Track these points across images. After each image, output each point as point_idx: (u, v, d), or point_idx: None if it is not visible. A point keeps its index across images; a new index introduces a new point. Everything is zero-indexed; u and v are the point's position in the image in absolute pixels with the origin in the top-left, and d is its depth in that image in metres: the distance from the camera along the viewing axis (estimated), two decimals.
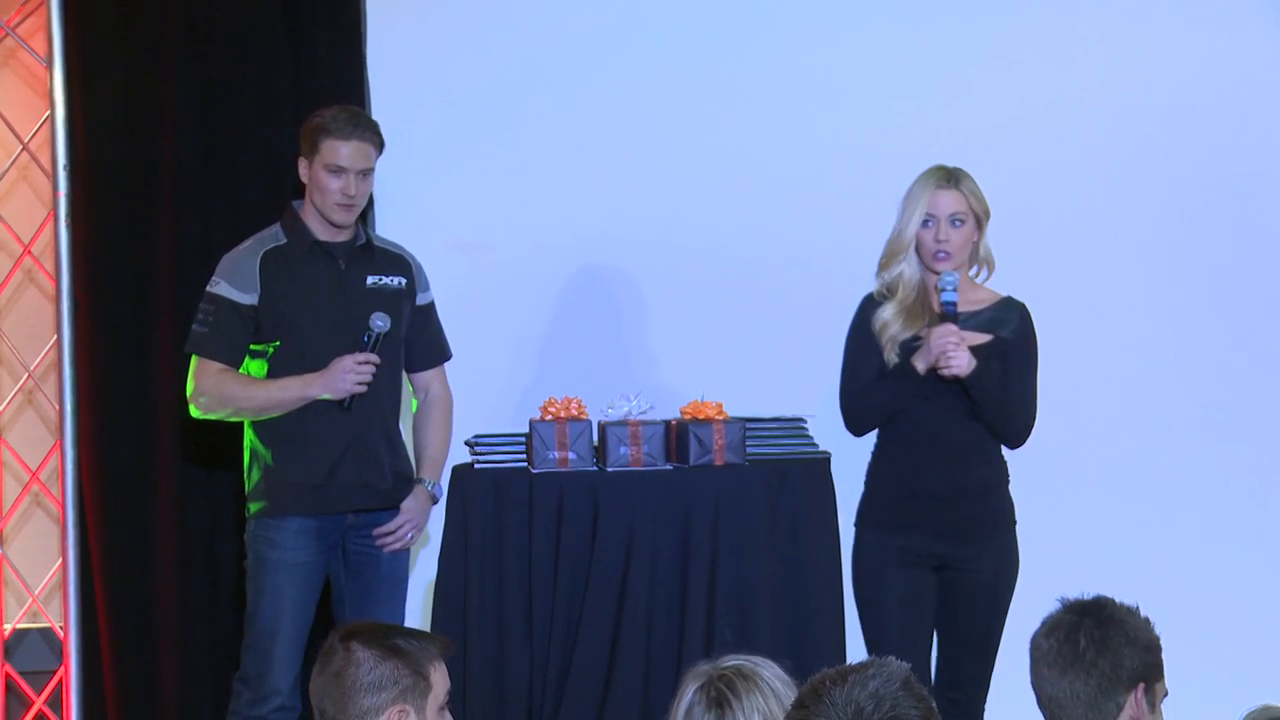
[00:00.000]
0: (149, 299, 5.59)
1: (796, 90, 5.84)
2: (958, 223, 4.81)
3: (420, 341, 5.14)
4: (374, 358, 4.91)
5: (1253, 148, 5.89)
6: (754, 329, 5.80)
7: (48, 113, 5.50)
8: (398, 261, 5.10)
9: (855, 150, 5.82)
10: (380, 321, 4.92)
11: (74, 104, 5.51)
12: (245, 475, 5.01)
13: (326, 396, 4.89)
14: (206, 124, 5.61)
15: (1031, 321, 4.87)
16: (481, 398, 5.47)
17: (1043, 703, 3.23)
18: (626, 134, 5.81)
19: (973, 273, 4.89)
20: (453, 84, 5.79)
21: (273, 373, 4.95)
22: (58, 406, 5.50)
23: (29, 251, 5.64)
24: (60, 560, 5.49)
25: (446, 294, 5.24)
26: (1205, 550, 5.81)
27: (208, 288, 4.99)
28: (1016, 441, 4.84)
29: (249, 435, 5.01)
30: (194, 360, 4.97)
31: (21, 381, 5.65)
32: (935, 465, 4.80)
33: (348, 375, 4.88)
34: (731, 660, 2.97)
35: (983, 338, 4.81)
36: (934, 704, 2.56)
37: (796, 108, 5.84)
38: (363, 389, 4.90)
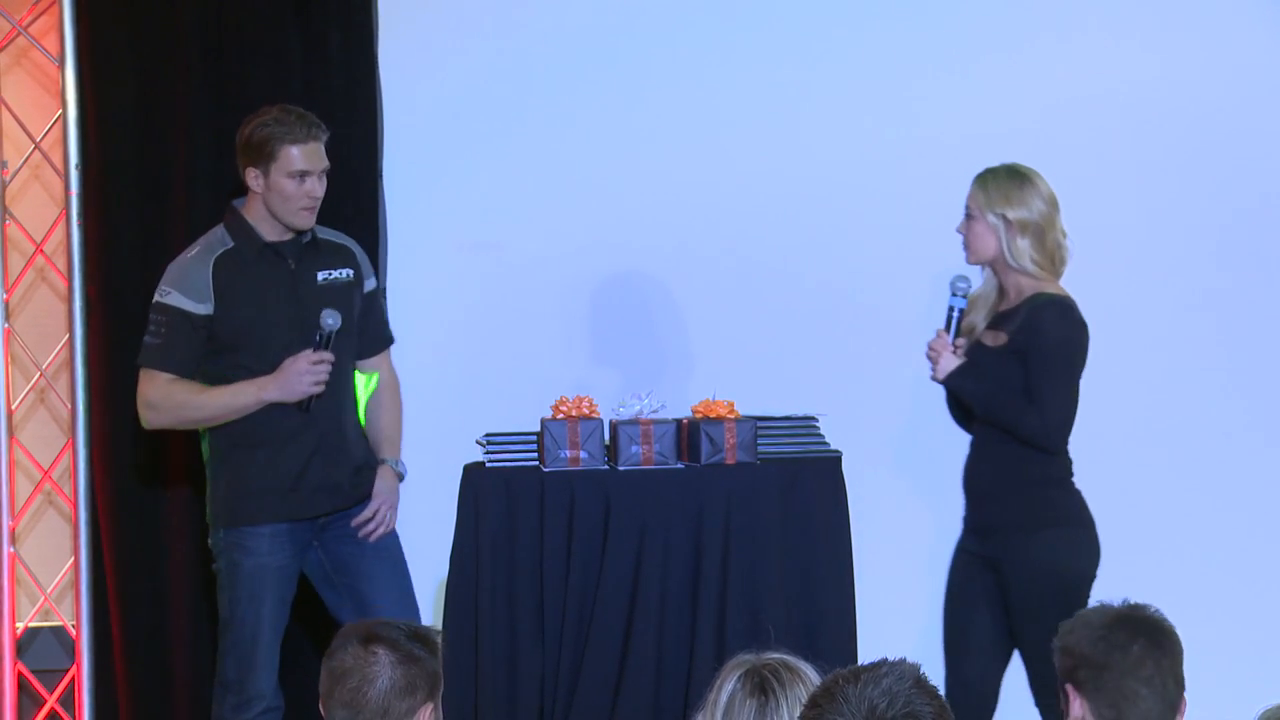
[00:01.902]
0: None
1: (808, 90, 5.84)
2: (968, 217, 4.85)
3: (367, 329, 5.09)
4: (329, 356, 4.85)
5: None
6: (766, 328, 5.80)
7: (60, 112, 5.51)
8: (343, 252, 5.05)
9: (867, 151, 5.82)
10: (331, 319, 4.86)
11: (86, 103, 5.52)
12: (209, 484, 4.95)
13: (281, 400, 4.85)
14: (218, 123, 5.60)
15: (1045, 317, 4.77)
16: (493, 396, 5.47)
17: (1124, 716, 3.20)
18: (639, 134, 5.81)
19: (1017, 268, 4.83)
20: (464, 84, 5.79)
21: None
22: (70, 405, 5.50)
23: (41, 250, 5.65)
24: (72, 559, 5.50)
25: (458, 293, 5.25)
26: (1230, 549, 5.82)
27: (157, 298, 4.91)
28: (1036, 443, 4.78)
29: (207, 444, 4.96)
30: (142, 372, 4.91)
31: (34, 380, 5.66)
32: (972, 463, 4.88)
33: (304, 377, 4.83)
34: (774, 654, 2.96)
35: (1001, 339, 4.82)
36: (945, 702, 2.56)
37: (809, 108, 5.84)
38: (320, 389, 4.85)
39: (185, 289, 4.88)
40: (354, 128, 5.61)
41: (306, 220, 4.91)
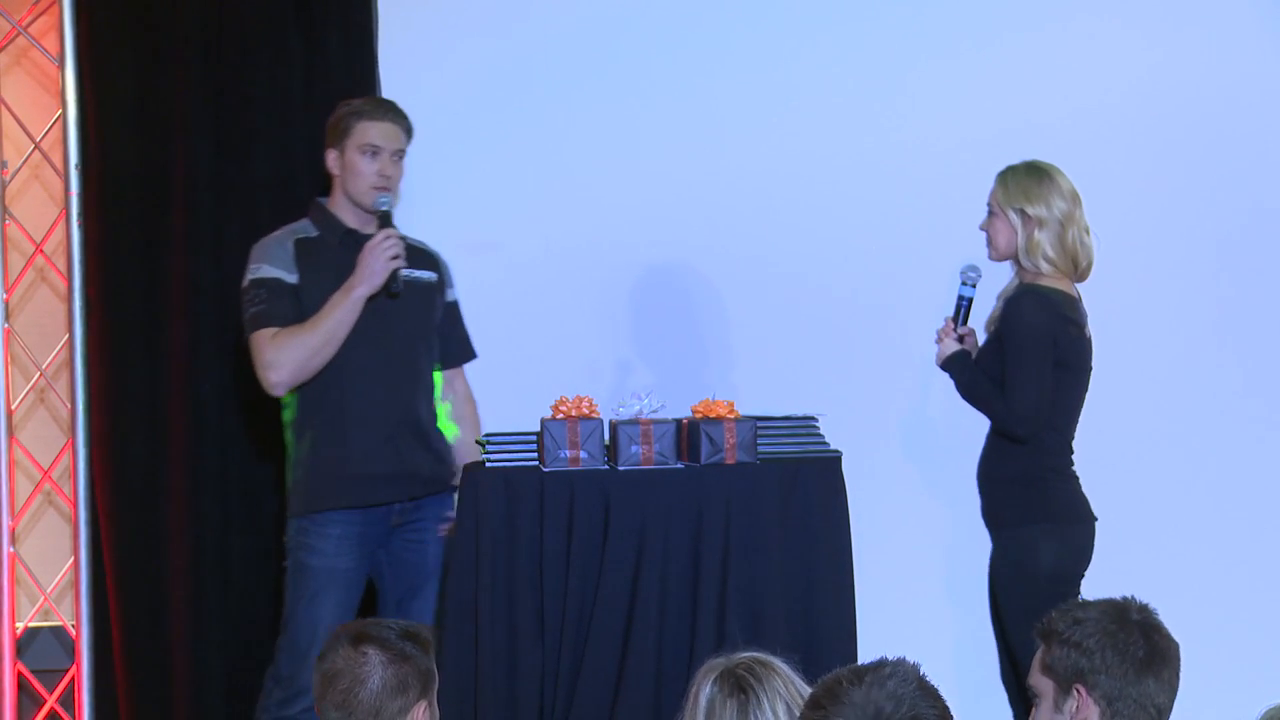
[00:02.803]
0: (161, 298, 5.59)
1: (807, 90, 5.84)
2: (989, 213, 4.92)
3: (451, 339, 5.16)
4: (392, 231, 4.90)
5: None
6: (765, 328, 5.80)
7: (59, 112, 5.51)
8: (426, 257, 5.12)
9: (866, 151, 5.83)
10: (384, 200, 4.92)
11: (86, 103, 5.52)
12: (288, 475, 5.00)
13: (369, 289, 4.85)
14: (218, 123, 5.61)
15: (1022, 305, 4.80)
16: (492, 396, 5.47)
17: (1146, 710, 3.20)
18: (639, 134, 5.82)
19: (1030, 266, 4.87)
20: (464, 83, 5.80)
21: (309, 391, 4.92)
22: (69, 405, 5.50)
23: (41, 250, 5.65)
24: (72, 559, 5.50)
25: (459, 293, 5.25)
26: (1233, 548, 5.83)
27: (249, 276, 4.96)
28: (1005, 431, 4.83)
29: (289, 434, 5.00)
30: (251, 341, 4.94)
31: (34, 380, 5.66)
32: (983, 453, 4.93)
33: (377, 255, 4.86)
34: (743, 654, 2.97)
35: (991, 329, 4.92)
36: (946, 704, 2.57)
37: (808, 108, 5.84)
38: (401, 262, 4.87)
39: (273, 261, 4.95)
40: None
41: (379, 200, 4.94)
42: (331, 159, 5.02)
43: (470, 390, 5.24)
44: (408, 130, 5.03)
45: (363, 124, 4.96)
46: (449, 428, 5.17)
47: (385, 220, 4.93)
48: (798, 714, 2.76)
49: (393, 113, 5.01)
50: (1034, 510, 4.83)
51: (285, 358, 4.87)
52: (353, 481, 4.91)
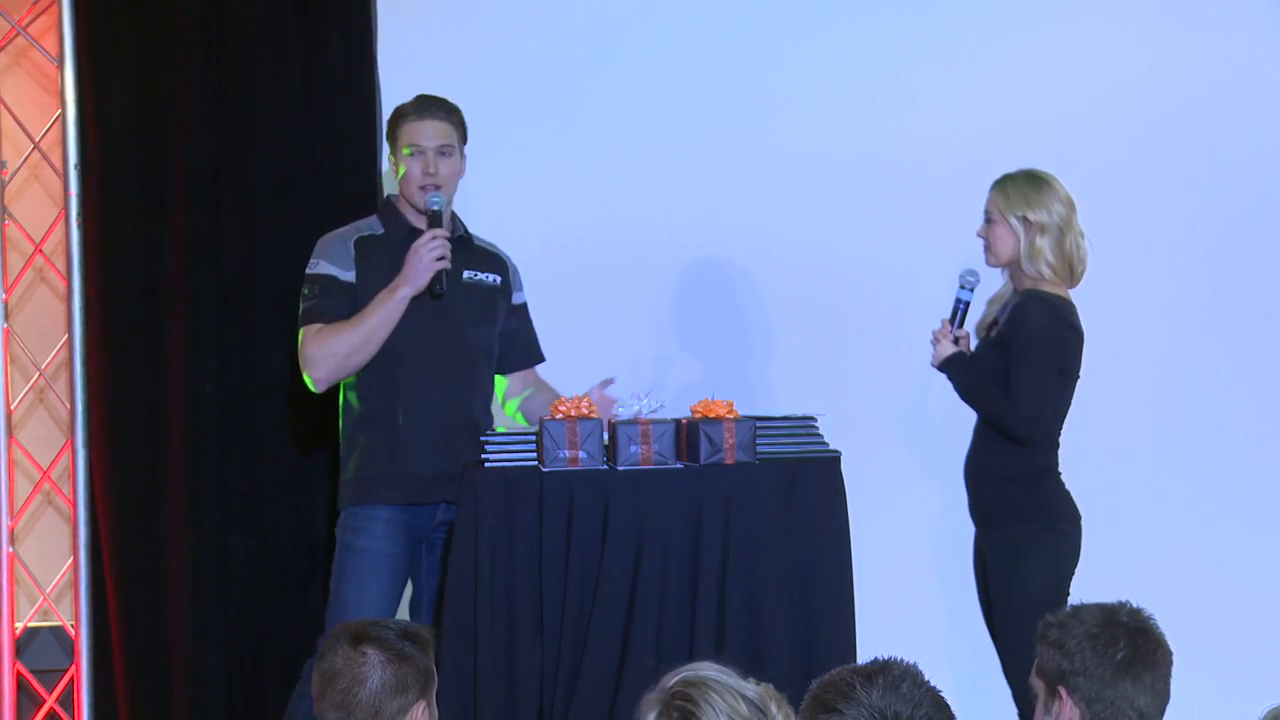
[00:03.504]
0: (160, 298, 5.59)
1: (807, 89, 5.84)
2: (988, 221, 4.95)
3: (518, 342, 5.16)
4: (441, 232, 4.90)
5: None
6: (765, 327, 5.80)
7: (59, 112, 5.51)
8: (494, 260, 5.12)
9: (866, 150, 5.83)
10: (435, 199, 4.93)
11: (85, 103, 5.52)
12: (341, 469, 5.00)
13: (413, 290, 4.86)
14: (218, 124, 5.61)
15: (1031, 310, 4.85)
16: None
17: (1123, 714, 3.20)
18: (638, 133, 5.82)
19: (1033, 272, 4.91)
20: (463, 83, 5.78)
21: (365, 388, 4.94)
22: (69, 405, 5.50)
23: (40, 250, 5.65)
24: (71, 559, 5.50)
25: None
26: (1231, 548, 5.83)
27: (308, 270, 4.98)
28: (1008, 433, 4.86)
29: (344, 427, 5.00)
30: (300, 336, 4.96)
31: (33, 380, 5.66)
32: (969, 453, 4.98)
33: (423, 256, 4.87)
34: (673, 678, 2.93)
35: (995, 331, 4.93)
36: (951, 711, 2.58)
37: (808, 107, 5.84)
38: (446, 264, 4.87)
39: (331, 258, 4.96)
40: (354, 127, 5.62)
41: (432, 193, 4.94)
42: (392, 165, 5.06)
43: (547, 386, 5.19)
44: (456, 124, 5.02)
45: (405, 127, 4.98)
46: (518, 418, 5.18)
47: (435, 220, 4.93)
48: (745, 714, 2.75)
49: (433, 109, 5.00)
50: (1030, 509, 4.87)
51: (324, 353, 4.90)
52: (403, 479, 4.92)
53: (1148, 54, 5.90)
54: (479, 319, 5.03)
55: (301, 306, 4.96)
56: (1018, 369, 4.84)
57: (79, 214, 5.49)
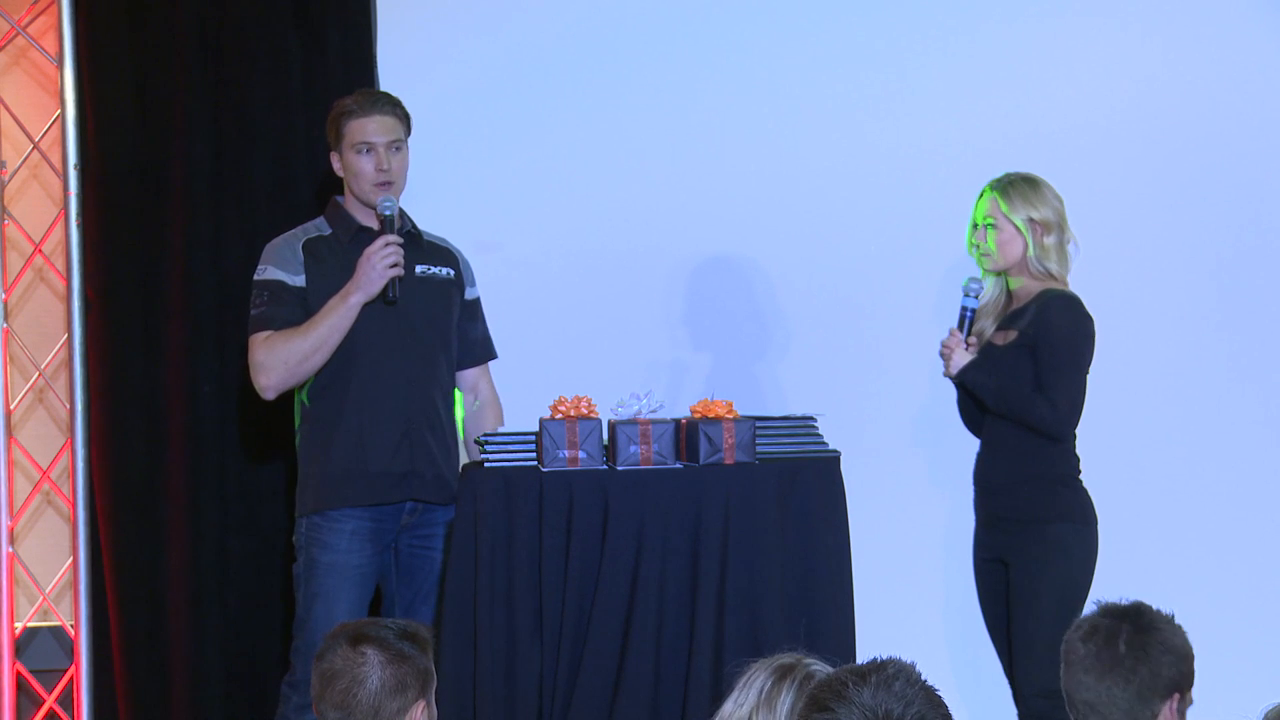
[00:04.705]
0: (159, 298, 5.59)
1: (807, 91, 5.84)
2: (989, 227, 4.94)
3: (469, 338, 5.12)
4: (394, 238, 4.86)
5: None
6: (764, 328, 5.80)
7: (58, 112, 5.51)
8: (444, 254, 5.09)
9: (865, 152, 5.82)
10: (388, 204, 4.89)
11: (85, 103, 5.52)
12: (299, 473, 4.95)
13: (366, 295, 4.83)
14: (217, 123, 5.61)
15: (1056, 309, 4.88)
16: None
17: (1075, 706, 3.22)
18: (638, 134, 5.82)
19: (1040, 270, 4.93)
20: (463, 84, 5.80)
21: (321, 389, 4.90)
22: (68, 405, 5.50)
23: (40, 250, 5.65)
24: (71, 559, 5.49)
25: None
26: (1235, 547, 5.83)
27: (256, 277, 4.93)
28: (1046, 432, 4.86)
29: (300, 430, 4.97)
30: (249, 344, 4.91)
31: (32, 380, 5.66)
32: (984, 458, 4.98)
33: (375, 263, 4.83)
34: (814, 662, 2.94)
35: (1012, 335, 4.92)
36: (948, 709, 2.58)
37: (808, 109, 5.84)
38: (399, 271, 4.83)
39: (279, 263, 4.92)
40: None
41: (381, 194, 4.92)
42: (335, 162, 5.00)
43: (495, 392, 5.18)
44: (402, 118, 4.98)
45: (353, 123, 4.92)
46: (460, 430, 5.14)
47: (388, 225, 4.90)
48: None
49: (381, 104, 4.96)
50: (1068, 508, 4.88)
51: (274, 360, 4.85)
52: (366, 479, 4.87)
53: (1150, 54, 5.90)
54: (434, 312, 4.99)
55: (251, 314, 4.91)
56: (1054, 368, 4.86)
57: (79, 214, 5.48)
